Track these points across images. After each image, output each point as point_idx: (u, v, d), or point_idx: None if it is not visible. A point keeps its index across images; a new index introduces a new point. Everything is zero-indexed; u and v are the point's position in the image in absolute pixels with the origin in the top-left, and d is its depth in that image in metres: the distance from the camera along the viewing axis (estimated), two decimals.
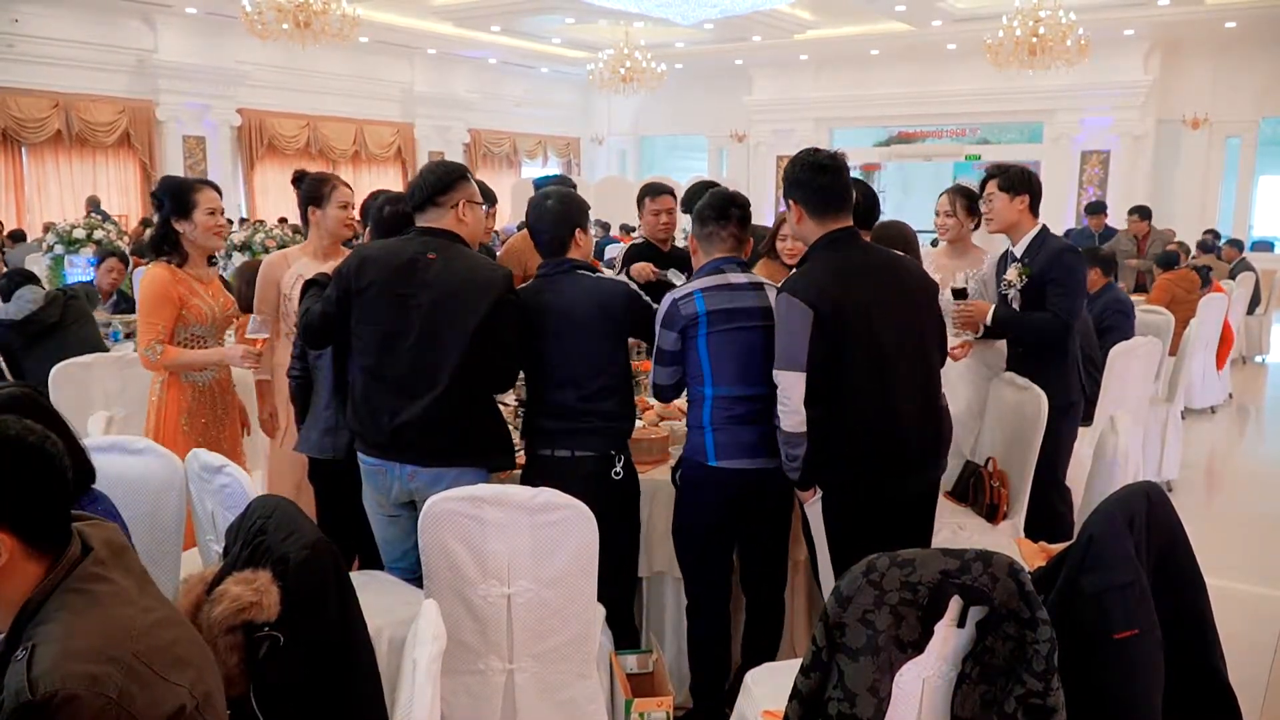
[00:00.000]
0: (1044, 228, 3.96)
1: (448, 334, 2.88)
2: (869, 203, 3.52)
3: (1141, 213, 10.05)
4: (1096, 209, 10.50)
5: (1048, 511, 3.90)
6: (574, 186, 4.62)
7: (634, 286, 3.15)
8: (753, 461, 2.98)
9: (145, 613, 1.54)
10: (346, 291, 3.00)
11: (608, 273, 3.46)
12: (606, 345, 3.06)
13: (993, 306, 3.86)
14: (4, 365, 5.41)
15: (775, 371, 2.81)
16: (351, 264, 3.04)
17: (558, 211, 3.13)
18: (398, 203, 3.45)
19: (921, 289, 2.97)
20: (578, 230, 3.14)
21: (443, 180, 3.02)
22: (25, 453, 1.52)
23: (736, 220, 3.10)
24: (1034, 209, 3.96)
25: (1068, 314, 3.80)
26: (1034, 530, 3.70)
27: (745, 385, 2.97)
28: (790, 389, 2.77)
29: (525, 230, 4.86)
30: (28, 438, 1.53)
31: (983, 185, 4.06)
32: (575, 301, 3.03)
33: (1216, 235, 12.40)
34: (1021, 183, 3.92)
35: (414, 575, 3.06)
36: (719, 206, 3.11)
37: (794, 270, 3.13)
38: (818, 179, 2.86)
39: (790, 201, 2.92)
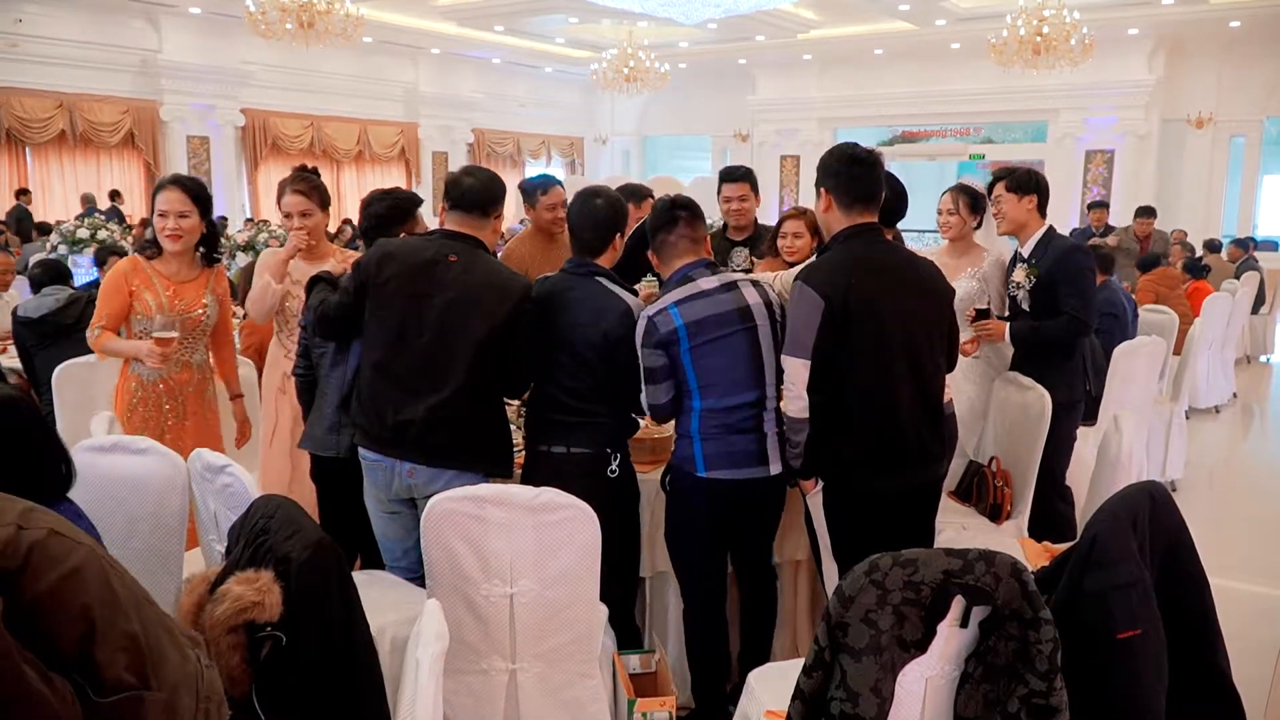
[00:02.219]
0: (1050, 228, 3.99)
1: (460, 336, 2.89)
2: (897, 201, 3.50)
3: (1148, 213, 10.17)
4: (1098, 206, 10.56)
5: (1049, 511, 3.91)
6: (559, 184, 4.63)
7: (637, 314, 3.01)
8: (741, 471, 2.96)
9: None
10: (364, 284, 3.02)
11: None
12: (592, 355, 3.01)
13: (1007, 325, 3.89)
14: (19, 359, 5.42)
15: (782, 356, 2.85)
16: (373, 257, 3.06)
17: (606, 215, 3.11)
18: (382, 200, 3.47)
19: (936, 291, 2.99)
20: (618, 235, 3.14)
21: (499, 195, 3.07)
22: None
23: (685, 221, 3.05)
24: (1041, 209, 4.01)
25: (1084, 313, 3.85)
26: (1036, 529, 3.70)
27: (733, 395, 2.95)
28: (795, 375, 2.81)
29: (526, 232, 4.88)
30: None
31: (990, 187, 4.09)
32: (581, 308, 3.03)
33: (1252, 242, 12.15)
34: (1029, 183, 3.97)
35: (415, 575, 3.06)
36: (662, 214, 3.08)
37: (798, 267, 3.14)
38: (852, 170, 2.89)
39: (821, 189, 2.94)
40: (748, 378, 2.94)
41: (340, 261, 3.69)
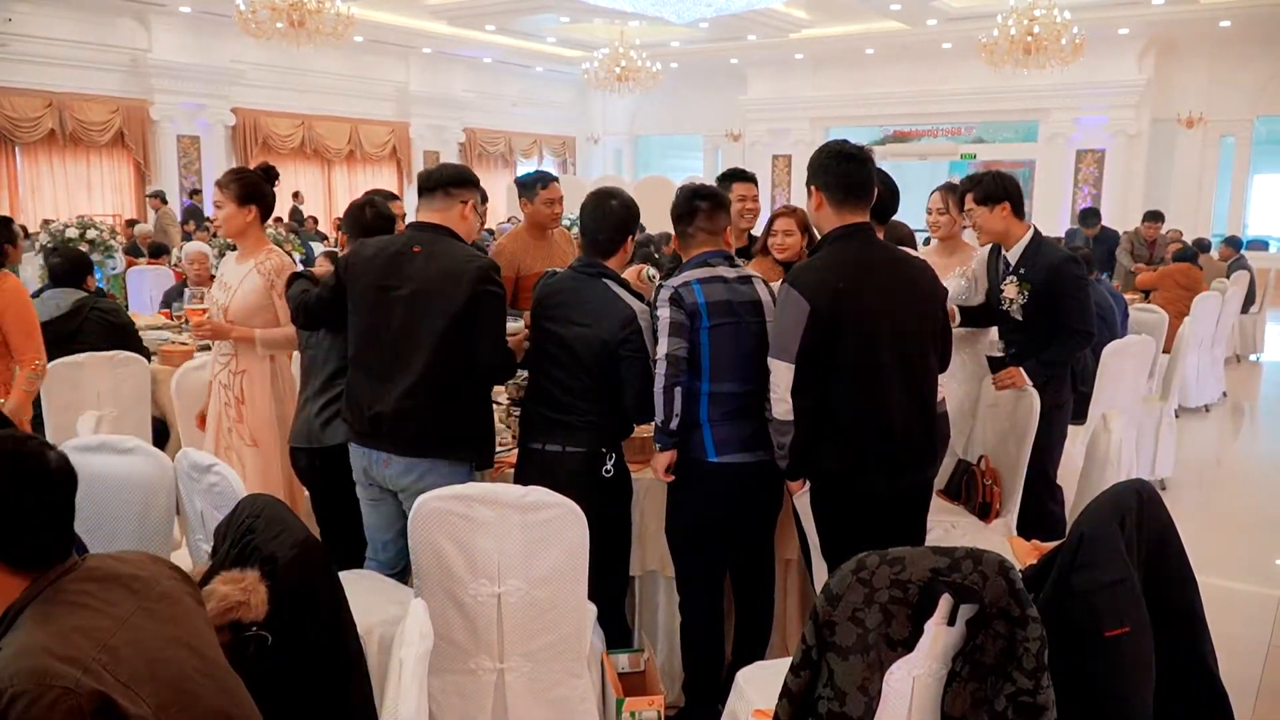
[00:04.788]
0: (1036, 233, 3.93)
1: (423, 325, 2.93)
2: (888, 197, 3.48)
3: (1156, 217, 10.21)
4: (1090, 217, 10.31)
5: (1039, 510, 3.91)
6: (557, 180, 4.61)
7: (644, 319, 3.02)
8: (749, 455, 2.99)
9: (126, 628, 1.51)
10: (340, 282, 3.11)
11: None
12: (590, 357, 3.02)
13: (1022, 369, 3.78)
14: None
15: (768, 359, 2.84)
16: (347, 256, 3.15)
17: (621, 217, 3.12)
18: (374, 204, 3.51)
19: (928, 293, 2.96)
20: (629, 238, 3.15)
21: (461, 174, 3.10)
22: (4, 477, 1.53)
23: (704, 213, 3.09)
24: (1018, 213, 3.93)
25: (1085, 324, 3.84)
26: (1026, 528, 3.71)
27: (740, 382, 2.97)
28: (779, 378, 2.80)
29: (517, 228, 4.88)
30: (13, 459, 1.54)
31: (961, 198, 4.03)
32: (583, 309, 3.03)
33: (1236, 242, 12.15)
34: (997, 191, 3.88)
35: (393, 570, 3.15)
36: (682, 205, 3.11)
37: (787, 267, 3.13)
38: (842, 167, 2.85)
39: (812, 188, 2.91)
40: (755, 368, 2.94)
41: (263, 260, 3.67)
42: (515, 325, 3.38)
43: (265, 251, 3.72)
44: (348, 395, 3.11)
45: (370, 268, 3.03)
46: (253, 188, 3.69)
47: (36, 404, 4.59)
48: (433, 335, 2.92)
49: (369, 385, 3.01)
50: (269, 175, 3.77)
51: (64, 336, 4.94)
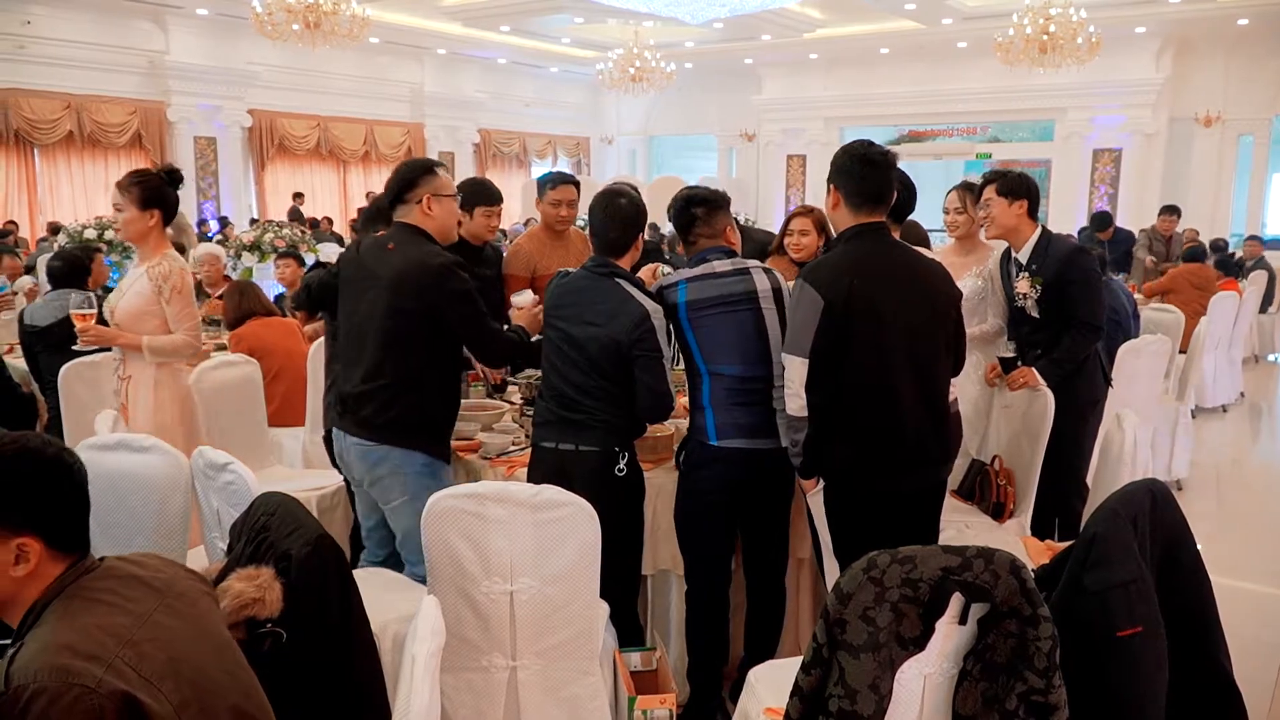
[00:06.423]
0: (1044, 230, 3.94)
1: (380, 314, 3.07)
2: (905, 196, 3.48)
3: (1173, 211, 10.13)
4: (1100, 221, 10.22)
5: (1067, 509, 3.90)
6: (570, 183, 4.61)
7: (656, 319, 3.01)
8: (750, 442, 3.02)
9: (148, 625, 1.54)
10: (334, 279, 3.46)
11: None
12: (603, 357, 3.03)
13: (1035, 371, 3.79)
14: (25, 360, 5.39)
15: (782, 354, 2.87)
16: (344, 253, 3.47)
17: (630, 214, 3.14)
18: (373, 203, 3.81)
19: (941, 293, 2.95)
20: (639, 235, 3.18)
21: (406, 178, 3.18)
22: (46, 463, 1.60)
23: (701, 220, 3.16)
24: (1033, 214, 3.95)
25: (1094, 317, 3.83)
26: (1053, 529, 3.68)
27: (739, 365, 3.02)
28: (793, 373, 2.82)
29: (532, 230, 4.89)
30: (47, 449, 1.61)
31: (980, 190, 4.04)
32: (596, 309, 3.04)
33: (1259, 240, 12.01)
34: (1019, 187, 3.90)
35: (378, 559, 3.30)
36: (681, 214, 3.19)
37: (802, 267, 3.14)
38: (864, 172, 2.86)
39: (830, 186, 2.93)
40: (756, 354, 2.99)
41: (155, 265, 3.64)
42: (526, 297, 3.46)
43: (159, 257, 3.63)
44: (333, 384, 3.37)
45: (349, 266, 3.26)
46: (155, 191, 3.60)
47: (55, 403, 4.63)
48: (387, 324, 3.05)
49: (343, 370, 3.21)
50: (172, 178, 3.68)
51: (70, 338, 4.96)
